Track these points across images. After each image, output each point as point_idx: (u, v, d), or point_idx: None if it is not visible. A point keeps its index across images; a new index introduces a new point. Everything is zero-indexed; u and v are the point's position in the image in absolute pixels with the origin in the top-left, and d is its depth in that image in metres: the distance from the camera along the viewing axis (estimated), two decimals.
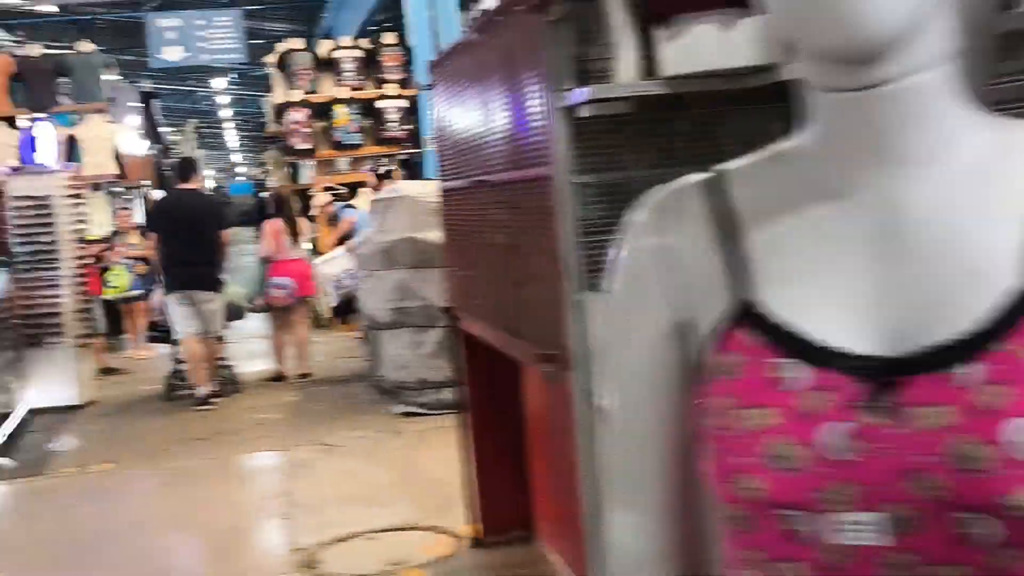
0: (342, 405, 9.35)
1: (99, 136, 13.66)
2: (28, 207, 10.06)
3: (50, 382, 10.14)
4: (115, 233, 13.65)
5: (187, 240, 9.62)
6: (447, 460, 7.26)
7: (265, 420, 9.06)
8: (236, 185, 55.27)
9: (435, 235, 8.65)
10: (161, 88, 30.88)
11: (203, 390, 9.85)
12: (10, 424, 9.07)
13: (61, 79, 13.81)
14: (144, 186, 19.45)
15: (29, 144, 9.95)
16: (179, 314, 9.86)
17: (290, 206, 10.97)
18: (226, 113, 45.57)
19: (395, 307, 8.70)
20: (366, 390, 9.83)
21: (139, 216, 15.35)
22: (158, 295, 10.55)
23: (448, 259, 5.17)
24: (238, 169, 64.49)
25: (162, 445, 8.50)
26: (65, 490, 7.54)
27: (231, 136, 54.10)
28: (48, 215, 10.08)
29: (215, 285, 9.94)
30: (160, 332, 10.66)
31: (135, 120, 18.24)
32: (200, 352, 9.97)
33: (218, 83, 37.67)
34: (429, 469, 7.16)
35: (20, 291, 10.07)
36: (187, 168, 10.45)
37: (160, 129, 25.38)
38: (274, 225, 10.80)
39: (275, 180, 19.67)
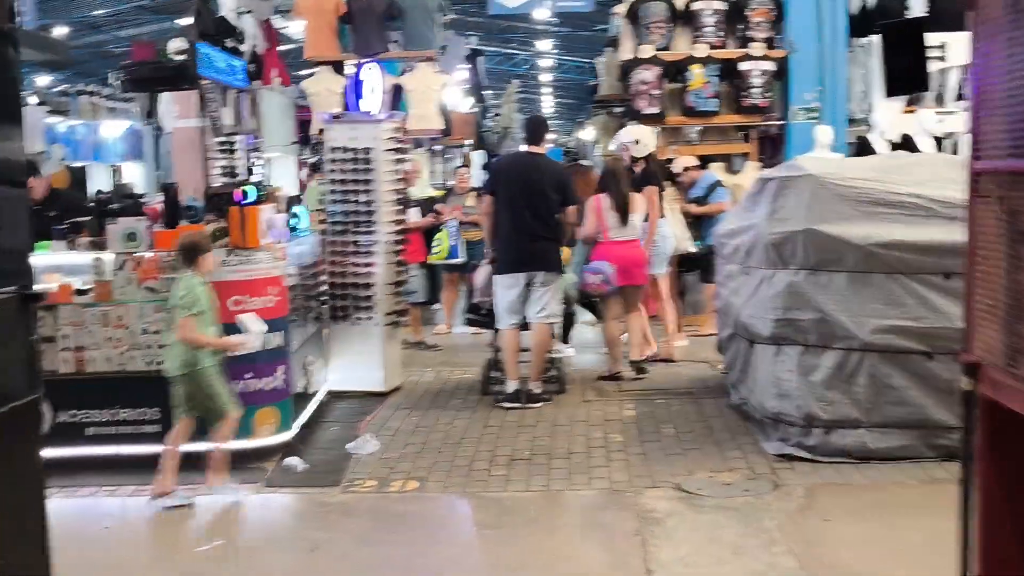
0: (695, 430, 7.47)
1: (427, 87, 12.34)
2: (346, 160, 8.74)
3: (354, 363, 8.85)
4: (448, 194, 12.30)
5: (530, 210, 8.24)
6: (866, 540, 5.31)
7: (600, 441, 7.31)
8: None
9: (845, 229, 6.66)
10: (483, 47, 29.78)
11: (530, 388, 8.39)
12: (307, 411, 7.79)
13: (392, 22, 12.59)
14: (466, 146, 18.34)
15: (354, 89, 8.65)
16: (506, 299, 8.37)
17: (619, 180, 9.24)
18: (545, 77, 44.62)
19: (780, 317, 6.72)
20: (721, 411, 7.94)
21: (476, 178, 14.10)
22: (483, 272, 9.08)
23: (984, 286, 3.12)
24: (550, 136, 64.15)
25: (476, 460, 6.94)
26: (359, 514, 6.06)
27: (547, 101, 53.42)
28: (367, 170, 8.73)
29: (556, 266, 8.41)
30: (480, 316, 9.14)
31: (462, 75, 17.02)
32: (516, 344, 8.48)
33: (542, 45, 36.60)
34: (844, 553, 5.17)
35: (330, 256, 8.80)
36: (539, 128, 8.87)
37: (483, 89, 24.38)
38: (599, 201, 9.14)
39: (603, 148, 18.06)
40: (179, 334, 6.00)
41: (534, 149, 8.69)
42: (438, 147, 17.16)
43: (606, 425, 7.74)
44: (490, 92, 34.31)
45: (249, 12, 14.60)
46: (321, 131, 8.84)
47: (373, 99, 8.65)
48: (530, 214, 8.23)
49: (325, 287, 8.76)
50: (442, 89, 12.54)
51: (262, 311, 6.81)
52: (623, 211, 9.10)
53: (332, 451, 7.25)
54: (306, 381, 7.81)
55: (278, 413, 6.98)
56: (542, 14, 28.49)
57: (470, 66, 20.41)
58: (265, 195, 6.77)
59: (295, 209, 8.40)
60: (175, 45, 13.98)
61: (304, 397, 7.77)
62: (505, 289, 8.38)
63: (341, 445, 7.32)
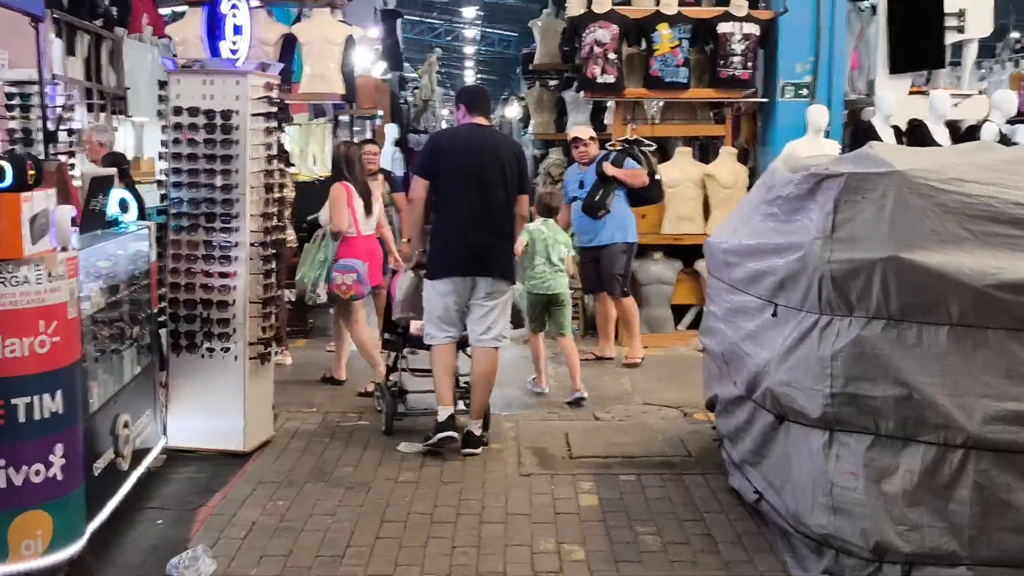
0: (690, 539, 5.08)
1: (325, 39, 9.77)
2: (197, 126, 6.19)
3: (203, 410, 6.35)
4: None
5: (485, 199, 6.52)
6: None
7: (552, 559, 4.90)
8: None
9: (950, 259, 4.32)
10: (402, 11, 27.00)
11: (470, 429, 6.53)
12: (117, 496, 5.24)
13: None
14: (378, 117, 15.77)
15: (210, 28, 6.10)
16: (441, 309, 6.56)
17: (357, 165, 7.85)
18: (468, 50, 42.09)
19: (840, 391, 4.36)
20: (719, 500, 5.60)
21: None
22: (406, 280, 7.04)
23: None
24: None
25: None
26: None
27: (469, 76, 50.99)
28: (228, 142, 6.19)
29: (511, 274, 6.71)
30: (399, 336, 7.15)
31: (374, 33, 14.39)
32: (452, 365, 6.74)
33: (465, 14, 34.06)
34: None
35: (172, 262, 6.25)
36: (480, 97, 6.90)
37: (402, 55, 21.77)
38: (349, 189, 7.74)
39: (538, 126, 15.64)
40: (571, 269, 8.29)
41: (481, 121, 6.74)
42: (344, 117, 14.53)
43: (558, 524, 5.32)
44: (408, 63, 31.67)
45: None
46: (163, 85, 6.25)
47: (239, 43, 6.14)
48: (484, 205, 6.52)
49: (163, 305, 6.22)
50: (345, 43, 9.96)
51: (21, 361, 4.27)
52: (367, 199, 7.89)
53: (144, 572, 4.73)
54: (116, 452, 5.26)
55: (51, 519, 4.43)
56: None
57: (385, 27, 17.82)
58: (35, 175, 4.22)
59: (119, 194, 5.81)
60: None
61: (114, 475, 5.23)
62: (440, 296, 6.55)
63: (162, 559, 4.80)
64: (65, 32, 10.17)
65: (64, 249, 4.54)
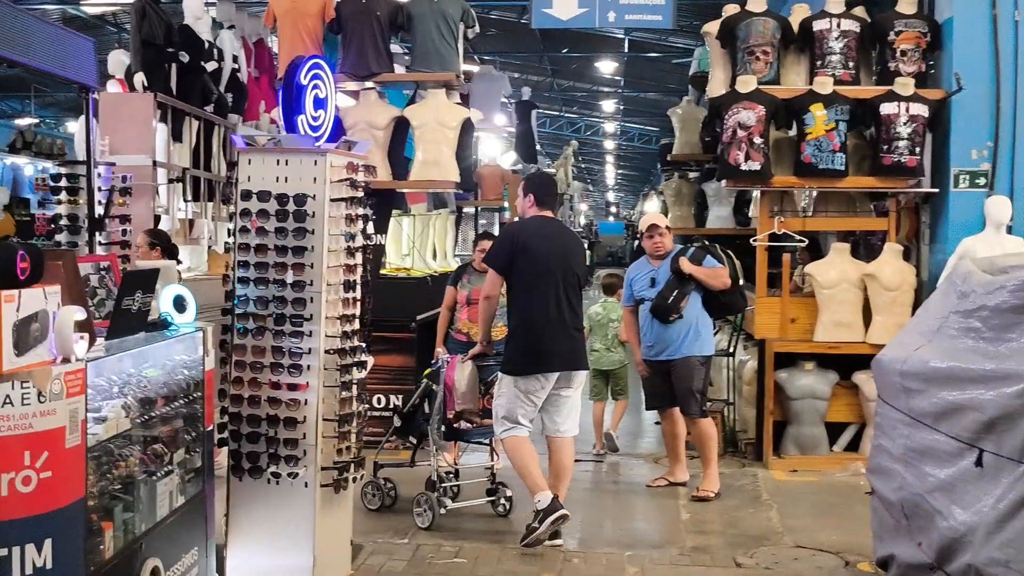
0: None
1: (439, 123, 8.94)
2: (267, 213, 5.32)
3: (268, 543, 5.37)
4: (461, 272, 8.69)
5: (566, 293, 6.57)
6: None
7: None
8: (606, 224, 51.60)
9: None
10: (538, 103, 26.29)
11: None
12: None
13: (397, 34, 9.31)
14: (503, 209, 14.93)
15: (288, 99, 5.25)
16: (525, 404, 6.49)
17: None
18: (608, 145, 41.40)
19: None
20: None
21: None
22: (466, 371, 7.02)
23: None
24: (611, 208, 61.15)
25: None
26: None
27: (609, 172, 50.44)
28: (302, 232, 5.29)
29: (587, 361, 7.07)
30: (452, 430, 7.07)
31: (501, 119, 13.60)
32: (536, 456, 6.58)
33: (605, 107, 33.37)
34: None
35: (234, 370, 5.34)
36: (551, 189, 6.96)
37: (536, 147, 21.04)
38: None
39: (674, 221, 14.53)
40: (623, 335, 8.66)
41: (550, 214, 6.81)
42: (469, 208, 13.73)
43: None
44: (547, 156, 31.12)
45: (231, 28, 11.42)
46: (232, 166, 5.42)
47: (321, 118, 5.29)
48: (567, 299, 6.58)
49: (220, 421, 5.30)
50: (461, 127, 9.10)
51: None
52: None
53: None
54: None
55: None
56: (607, 67, 25.40)
57: (518, 119, 17.09)
58: (29, 268, 3.35)
59: (174, 291, 4.95)
60: (117, 58, 10.92)
61: None
62: (525, 393, 6.47)
63: None
64: (171, 117, 9.66)
65: (67, 360, 3.65)
